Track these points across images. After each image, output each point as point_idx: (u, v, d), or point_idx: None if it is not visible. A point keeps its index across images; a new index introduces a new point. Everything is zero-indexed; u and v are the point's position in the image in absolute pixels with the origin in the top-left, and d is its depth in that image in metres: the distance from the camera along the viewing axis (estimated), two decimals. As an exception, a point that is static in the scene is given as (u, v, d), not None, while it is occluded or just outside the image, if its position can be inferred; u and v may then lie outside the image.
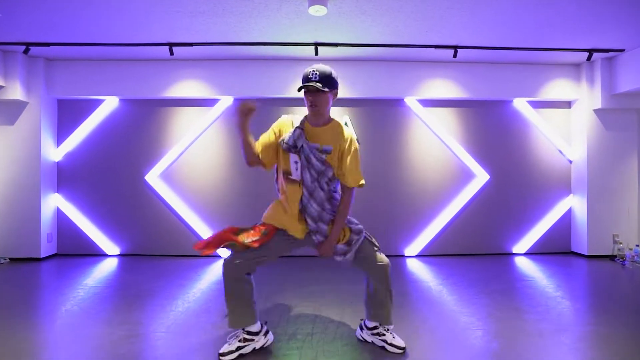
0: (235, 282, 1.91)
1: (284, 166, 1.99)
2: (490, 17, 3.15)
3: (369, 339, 2.11)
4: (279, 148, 1.99)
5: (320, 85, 1.83)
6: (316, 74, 1.85)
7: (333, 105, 2.04)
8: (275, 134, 2.01)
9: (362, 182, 1.98)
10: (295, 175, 1.97)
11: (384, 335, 2.04)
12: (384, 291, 2.01)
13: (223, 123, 4.35)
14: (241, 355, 1.94)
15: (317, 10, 2.81)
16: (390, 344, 2.00)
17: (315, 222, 1.96)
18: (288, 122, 2.02)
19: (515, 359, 1.94)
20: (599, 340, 2.17)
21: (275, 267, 3.69)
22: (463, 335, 2.23)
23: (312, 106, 1.89)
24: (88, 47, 3.77)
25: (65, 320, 2.46)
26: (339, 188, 2.09)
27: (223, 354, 1.90)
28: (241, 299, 1.93)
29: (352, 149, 1.96)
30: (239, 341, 1.95)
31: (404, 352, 1.97)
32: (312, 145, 1.93)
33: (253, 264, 1.93)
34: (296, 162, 1.95)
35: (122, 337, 2.18)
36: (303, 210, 1.97)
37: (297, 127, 1.95)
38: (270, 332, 2.10)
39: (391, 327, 2.07)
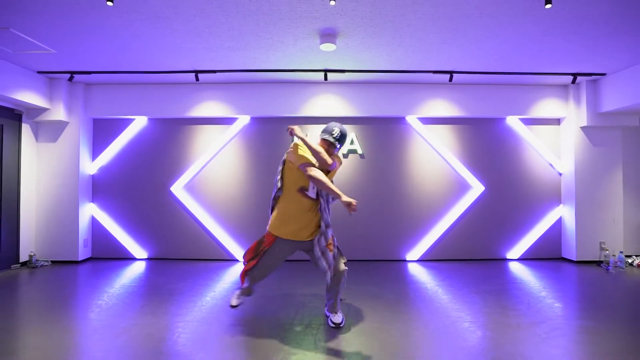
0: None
1: (303, 183, 2.45)
2: (482, 49, 3.56)
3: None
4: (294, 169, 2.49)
5: (339, 145, 2.58)
6: (338, 135, 2.53)
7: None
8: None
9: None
10: (312, 192, 2.47)
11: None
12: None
13: (240, 139, 4.81)
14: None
15: (327, 47, 3.25)
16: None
17: (327, 227, 2.46)
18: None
19: (495, 346, 2.32)
20: (570, 330, 2.54)
21: (287, 270, 4.09)
22: (453, 327, 2.61)
23: (326, 152, 2.56)
24: (122, 74, 4.27)
25: (103, 313, 2.89)
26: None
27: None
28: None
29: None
30: None
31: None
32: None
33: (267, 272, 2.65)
34: None
35: (159, 328, 2.60)
36: (319, 218, 2.51)
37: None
38: None
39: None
